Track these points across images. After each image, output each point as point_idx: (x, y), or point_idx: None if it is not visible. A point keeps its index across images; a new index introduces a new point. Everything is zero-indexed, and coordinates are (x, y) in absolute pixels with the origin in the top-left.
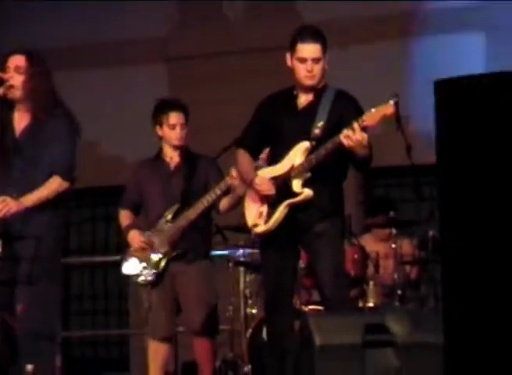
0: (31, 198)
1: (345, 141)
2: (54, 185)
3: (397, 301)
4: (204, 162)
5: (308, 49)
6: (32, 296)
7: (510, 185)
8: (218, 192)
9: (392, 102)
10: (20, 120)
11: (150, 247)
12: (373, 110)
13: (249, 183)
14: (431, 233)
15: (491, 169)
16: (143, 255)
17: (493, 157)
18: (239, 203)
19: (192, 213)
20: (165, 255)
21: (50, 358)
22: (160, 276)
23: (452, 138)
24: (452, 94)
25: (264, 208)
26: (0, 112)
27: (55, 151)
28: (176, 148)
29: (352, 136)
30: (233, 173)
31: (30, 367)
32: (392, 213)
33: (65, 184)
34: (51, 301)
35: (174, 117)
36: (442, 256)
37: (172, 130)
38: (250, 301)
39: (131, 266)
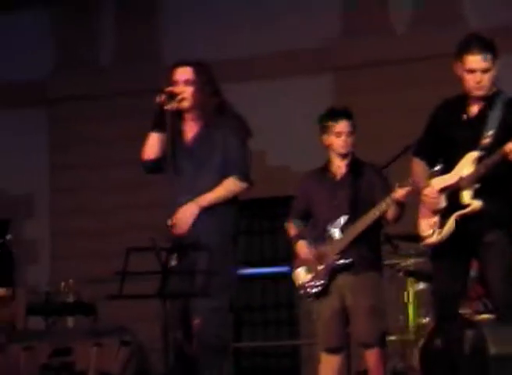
0: (207, 198)
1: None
2: (229, 185)
3: None
4: (370, 170)
5: (477, 60)
6: (208, 308)
7: None
8: (388, 203)
9: None
10: (190, 129)
11: (318, 258)
12: None
13: (420, 194)
14: None
15: None
16: (311, 266)
17: None
18: (403, 212)
19: (361, 225)
20: (333, 265)
21: (224, 370)
22: (327, 287)
23: None
24: None
25: (436, 219)
26: (172, 123)
27: (228, 155)
28: (342, 156)
29: None
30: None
31: None
32: None
33: (240, 185)
34: (226, 312)
35: (340, 125)
36: None
37: (338, 137)
38: (420, 311)
39: (299, 276)
